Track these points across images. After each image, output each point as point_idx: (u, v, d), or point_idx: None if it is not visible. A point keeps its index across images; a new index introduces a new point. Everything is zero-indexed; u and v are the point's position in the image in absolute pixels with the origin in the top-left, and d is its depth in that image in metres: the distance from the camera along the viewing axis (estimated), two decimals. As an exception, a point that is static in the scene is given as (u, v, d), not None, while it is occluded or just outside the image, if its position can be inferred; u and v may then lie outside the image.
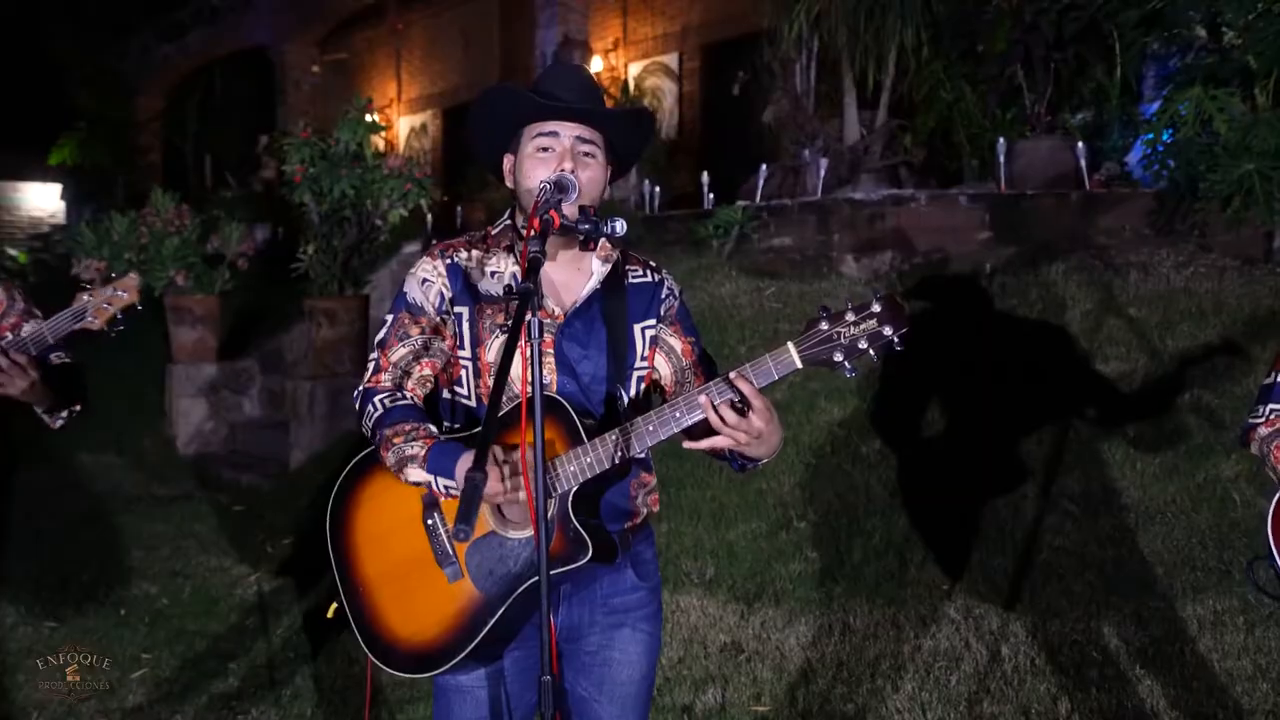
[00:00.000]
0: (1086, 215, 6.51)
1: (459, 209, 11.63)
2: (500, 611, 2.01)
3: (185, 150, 17.99)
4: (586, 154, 2.09)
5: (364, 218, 7.59)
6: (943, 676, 3.75)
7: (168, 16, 17.20)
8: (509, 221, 2.20)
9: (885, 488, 4.86)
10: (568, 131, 2.08)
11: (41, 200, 20.80)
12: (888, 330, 1.87)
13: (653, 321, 2.20)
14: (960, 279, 6.29)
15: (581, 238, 2.01)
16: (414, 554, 2.07)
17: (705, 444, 1.96)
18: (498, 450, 1.95)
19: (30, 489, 6.75)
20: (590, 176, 2.09)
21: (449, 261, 2.14)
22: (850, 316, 1.88)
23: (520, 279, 2.09)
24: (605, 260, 2.16)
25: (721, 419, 1.89)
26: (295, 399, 7.79)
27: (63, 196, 20.20)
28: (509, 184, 2.18)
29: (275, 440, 8.09)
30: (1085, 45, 7.14)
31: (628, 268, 2.21)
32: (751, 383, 1.90)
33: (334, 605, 2.15)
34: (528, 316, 1.81)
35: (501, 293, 2.13)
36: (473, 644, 2.01)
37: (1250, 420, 2.27)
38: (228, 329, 9.33)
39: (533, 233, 1.90)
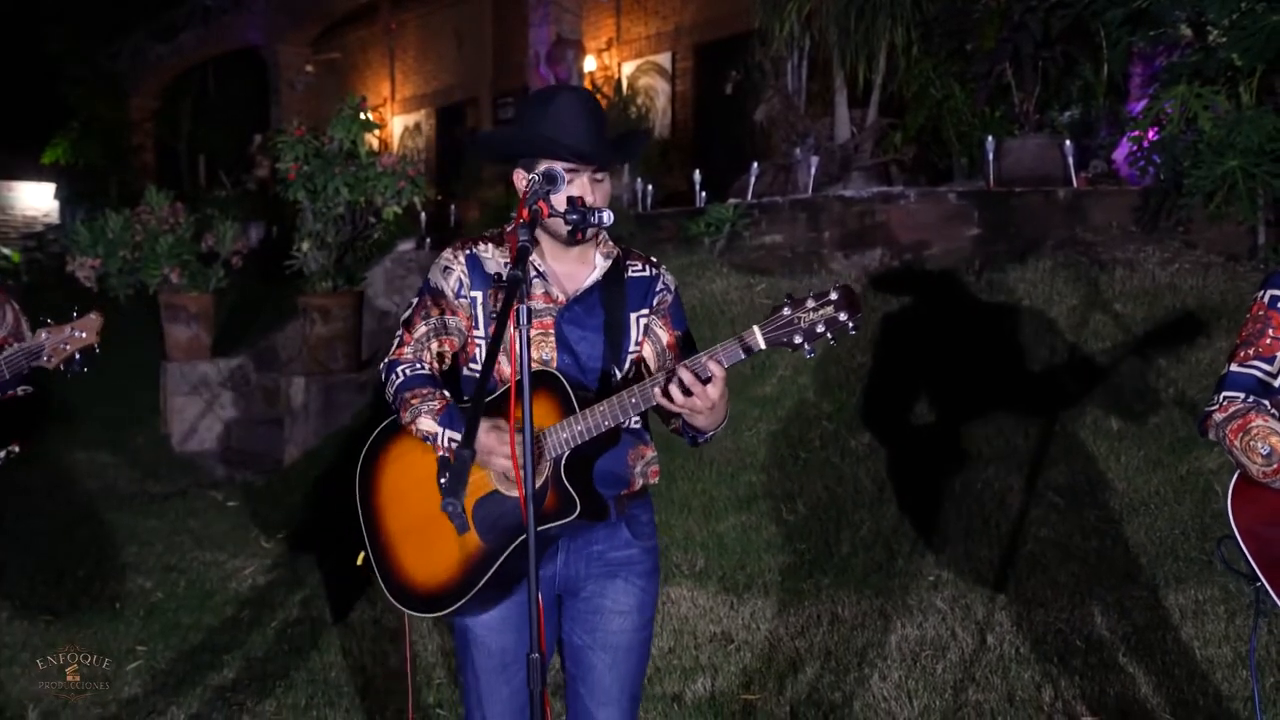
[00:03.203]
0: (1073, 212, 6.57)
1: (453, 207, 11.67)
2: (500, 560, 2.24)
3: (179, 150, 18.01)
4: (599, 180, 2.32)
5: (358, 215, 7.63)
6: (929, 665, 3.81)
7: (161, 17, 17.20)
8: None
9: (873, 481, 4.92)
10: (587, 169, 2.28)
11: (35, 199, 20.81)
12: (843, 316, 2.09)
13: (646, 311, 2.41)
14: (949, 275, 6.35)
15: (570, 228, 2.11)
16: (430, 509, 2.31)
17: (664, 400, 2.16)
18: (502, 422, 2.17)
19: (25, 486, 6.80)
20: (604, 193, 2.33)
21: (468, 252, 2.40)
22: (810, 303, 2.10)
23: (494, 274, 2.36)
24: (607, 256, 2.40)
25: (687, 389, 2.10)
26: (289, 396, 7.83)
27: (56, 196, 20.19)
28: (520, 192, 2.34)
29: (269, 437, 8.13)
30: (1072, 44, 7.20)
31: (628, 262, 2.43)
32: (721, 363, 2.11)
33: (361, 554, 2.40)
34: (516, 303, 1.91)
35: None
36: (476, 588, 2.25)
37: (1206, 409, 2.34)
38: (222, 326, 9.36)
39: (521, 221, 2.00)
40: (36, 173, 20.03)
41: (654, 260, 2.47)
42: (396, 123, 17.24)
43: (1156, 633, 3.74)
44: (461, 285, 2.37)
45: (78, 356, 2.73)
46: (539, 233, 2.33)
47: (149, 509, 6.84)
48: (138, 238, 8.52)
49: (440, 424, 2.26)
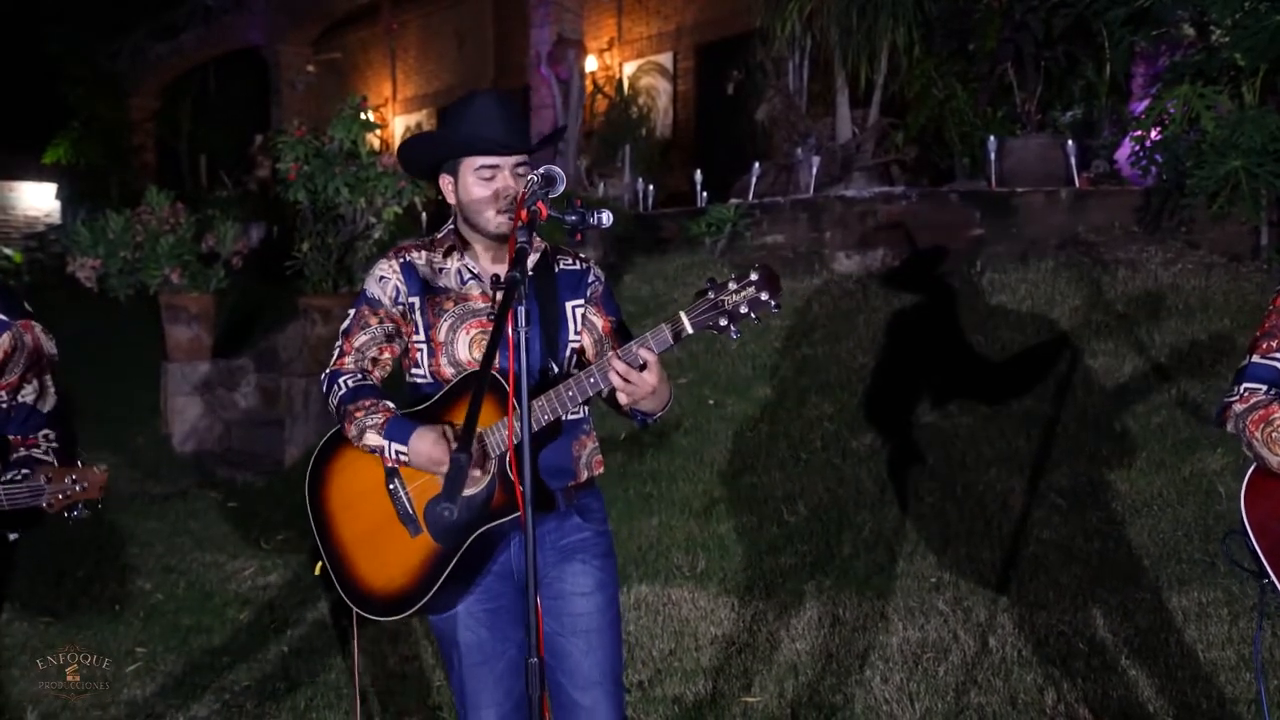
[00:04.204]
0: (1076, 212, 6.56)
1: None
2: (455, 559, 2.28)
3: (179, 150, 17.98)
4: (521, 174, 2.36)
5: (358, 215, 7.62)
6: (931, 667, 3.79)
7: (161, 16, 17.19)
8: (451, 227, 2.48)
9: (875, 482, 4.90)
10: (507, 162, 2.34)
11: (36, 199, 20.77)
12: (764, 296, 2.12)
13: (581, 301, 2.48)
14: (951, 275, 6.34)
15: (569, 228, 2.12)
16: (381, 516, 2.36)
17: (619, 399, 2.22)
18: (448, 429, 2.25)
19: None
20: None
21: (402, 260, 2.45)
22: (732, 286, 2.13)
23: (492, 275, 2.39)
24: (536, 250, 2.43)
25: (625, 377, 2.15)
26: (290, 396, 7.82)
27: (58, 196, 20.18)
28: (449, 199, 2.44)
29: (270, 437, 8.12)
30: (1075, 43, 7.19)
31: (558, 257, 2.50)
32: (652, 350, 2.16)
33: (320, 563, 2.43)
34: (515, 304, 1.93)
35: (447, 285, 2.42)
36: (435, 587, 2.30)
37: (1225, 399, 2.33)
38: (222, 327, 9.35)
39: (520, 224, 2.03)
40: (38, 173, 20.00)
41: (582, 255, 2.54)
42: (398, 123, 17.23)
43: (1159, 635, 3.73)
44: (399, 292, 2.42)
45: (81, 505, 2.68)
46: (470, 235, 2.41)
47: (149, 510, 6.83)
48: (138, 238, 8.51)
49: (385, 437, 2.30)
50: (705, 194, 8.69)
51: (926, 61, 7.89)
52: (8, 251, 17.39)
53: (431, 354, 2.40)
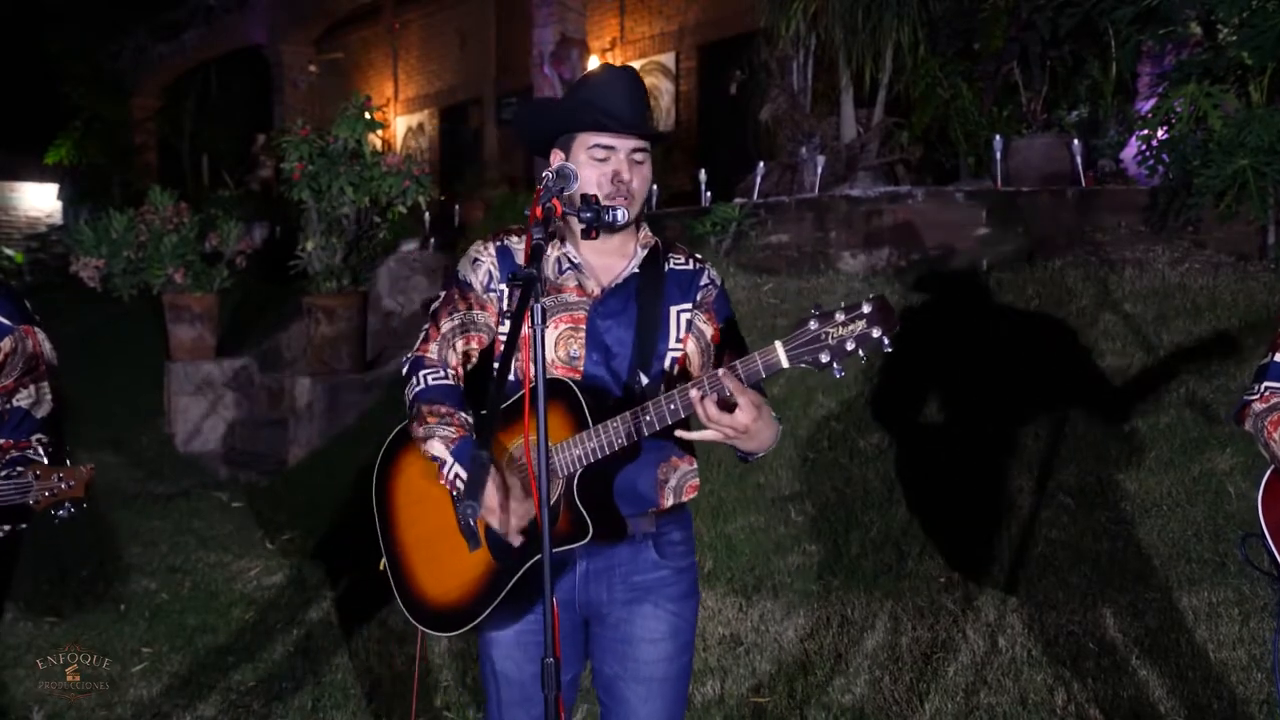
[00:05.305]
0: (1082, 212, 6.54)
1: (457, 207, 11.65)
2: (512, 582, 2.13)
3: (181, 149, 17.98)
4: (639, 161, 2.22)
5: (363, 215, 7.61)
6: (940, 668, 3.78)
7: (163, 16, 17.19)
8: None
9: (883, 481, 4.89)
10: (624, 145, 2.19)
11: (38, 200, 20.79)
12: (876, 332, 1.89)
13: (689, 306, 2.28)
14: (957, 275, 6.32)
15: (583, 226, 2.07)
16: (443, 523, 2.22)
17: (696, 435, 2.06)
18: (515, 485, 2.08)
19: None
20: (643, 176, 2.23)
21: (499, 244, 2.30)
22: (840, 317, 1.91)
23: (510, 272, 2.25)
24: (644, 246, 2.29)
25: (708, 415, 1.97)
26: (293, 396, 7.81)
27: (59, 196, 20.18)
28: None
29: (273, 437, 8.11)
30: (1080, 43, 7.17)
31: (669, 254, 2.32)
32: (740, 380, 1.96)
33: (383, 561, 2.31)
34: (532, 302, 1.89)
35: (543, 274, 2.22)
36: (488, 609, 2.15)
37: (1245, 398, 2.30)
38: (226, 326, 9.35)
39: (536, 220, 1.98)
40: (39, 173, 20.02)
41: (698, 255, 2.36)
42: (400, 123, 17.22)
43: (1170, 635, 3.71)
44: (491, 278, 2.27)
45: (68, 504, 2.69)
46: (574, 224, 2.22)
47: (153, 509, 6.82)
48: (142, 238, 8.51)
49: (453, 455, 2.14)
50: (709, 193, 8.67)
51: (931, 61, 7.86)
52: (10, 252, 17.41)
53: (516, 349, 2.22)
